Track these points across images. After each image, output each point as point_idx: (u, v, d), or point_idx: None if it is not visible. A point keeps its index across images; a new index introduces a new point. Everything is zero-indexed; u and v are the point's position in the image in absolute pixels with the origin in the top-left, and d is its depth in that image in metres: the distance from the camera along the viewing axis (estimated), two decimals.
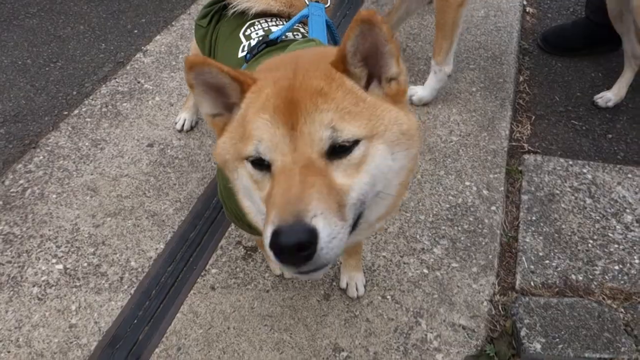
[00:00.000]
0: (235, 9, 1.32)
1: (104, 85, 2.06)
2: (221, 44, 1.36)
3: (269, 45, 1.16)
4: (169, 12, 2.55)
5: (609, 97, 2.13)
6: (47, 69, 2.14)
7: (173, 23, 2.45)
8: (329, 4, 1.35)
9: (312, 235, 0.72)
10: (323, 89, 0.80)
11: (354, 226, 0.83)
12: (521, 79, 2.31)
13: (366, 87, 0.86)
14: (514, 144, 1.98)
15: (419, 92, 2.09)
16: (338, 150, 0.79)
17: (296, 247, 0.71)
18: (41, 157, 1.77)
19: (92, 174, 1.73)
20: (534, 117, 2.12)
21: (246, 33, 1.29)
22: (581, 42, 2.46)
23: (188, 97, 1.90)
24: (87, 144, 1.83)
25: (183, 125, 1.88)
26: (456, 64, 2.29)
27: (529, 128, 2.07)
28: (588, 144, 1.99)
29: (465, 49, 2.41)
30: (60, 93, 2.03)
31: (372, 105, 0.83)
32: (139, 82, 2.09)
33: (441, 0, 1.89)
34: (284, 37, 1.19)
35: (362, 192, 0.82)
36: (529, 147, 1.97)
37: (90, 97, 2.01)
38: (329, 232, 0.74)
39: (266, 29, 1.28)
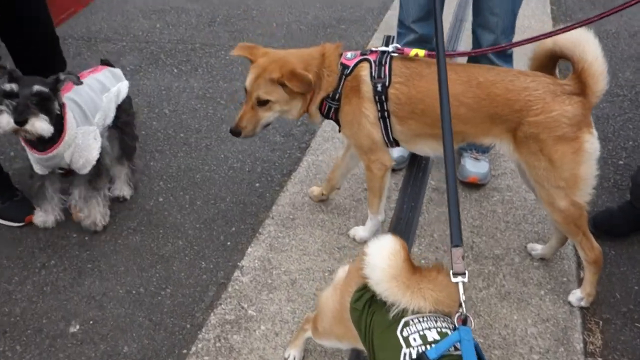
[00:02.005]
0: (396, 310, 1.42)
1: (212, 314, 2.31)
2: (378, 335, 1.49)
3: None
4: (254, 217, 2.83)
5: None
6: (159, 298, 2.40)
7: (260, 231, 2.73)
8: (473, 325, 1.54)
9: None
10: None
11: None
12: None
13: None
14: (589, 359, 2.19)
15: (359, 232, 2.67)
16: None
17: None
18: None
19: None
20: (601, 323, 2.32)
21: (404, 334, 1.43)
22: (629, 227, 2.70)
23: (296, 335, 2.13)
24: None
25: None
26: (520, 261, 2.53)
27: (599, 337, 2.27)
28: None
29: (526, 241, 2.64)
30: (176, 327, 2.28)
31: None
32: (242, 308, 2.34)
33: (368, 171, 2.47)
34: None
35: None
36: None
37: (203, 330, 2.25)
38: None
39: (421, 333, 1.41)
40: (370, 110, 2.30)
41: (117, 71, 2.86)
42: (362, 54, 2.31)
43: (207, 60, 4.43)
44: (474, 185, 3.04)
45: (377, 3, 5.59)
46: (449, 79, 2.23)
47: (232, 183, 3.10)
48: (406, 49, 2.28)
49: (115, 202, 2.89)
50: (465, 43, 4.40)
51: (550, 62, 2.25)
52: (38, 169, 2.57)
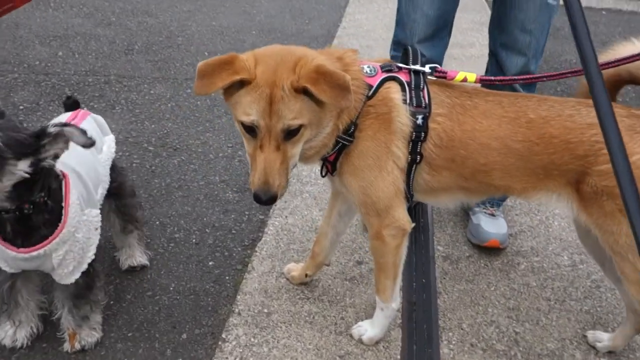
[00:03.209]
0: None
1: None
2: None
3: None
4: (213, 315, 2.01)
5: None
6: None
7: (224, 336, 1.91)
8: None
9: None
10: None
11: None
12: None
13: None
14: None
15: (367, 330, 1.90)
16: None
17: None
18: None
19: None
20: None
21: None
22: None
23: None
24: None
25: None
26: (583, 357, 1.88)
27: None
28: None
29: (580, 326, 1.99)
30: None
31: None
32: None
33: (376, 240, 1.70)
34: None
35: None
36: None
37: None
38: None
39: None
40: (402, 151, 1.59)
41: (100, 119, 2.00)
42: (384, 70, 1.60)
43: (126, 95, 3.55)
44: (492, 250, 2.38)
45: (321, 30, 4.96)
46: (493, 114, 1.61)
47: (176, 263, 2.25)
48: (450, 72, 1.60)
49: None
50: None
51: (612, 89, 1.69)
52: (7, 267, 1.66)
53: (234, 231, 2.44)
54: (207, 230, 2.43)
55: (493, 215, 2.41)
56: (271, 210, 2.56)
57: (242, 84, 1.42)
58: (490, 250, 2.38)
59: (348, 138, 1.58)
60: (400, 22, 2.19)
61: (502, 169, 1.59)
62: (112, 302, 2.02)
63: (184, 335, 1.92)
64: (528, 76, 1.74)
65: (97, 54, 4.15)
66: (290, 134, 1.43)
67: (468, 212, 2.53)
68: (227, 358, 1.83)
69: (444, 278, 2.24)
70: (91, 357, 1.81)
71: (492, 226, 2.36)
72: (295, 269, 2.15)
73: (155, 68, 3.98)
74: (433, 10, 2.09)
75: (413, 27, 2.11)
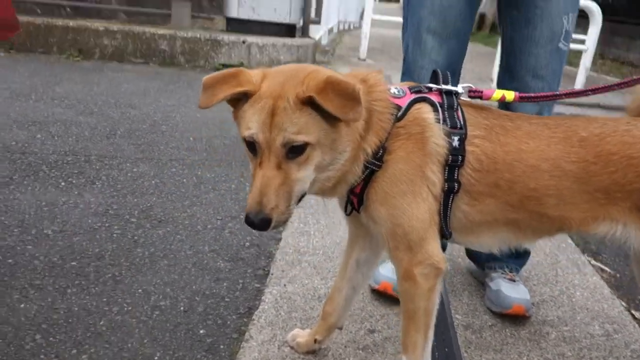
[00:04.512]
0: None
1: None
2: None
3: None
4: None
5: None
6: None
7: None
8: None
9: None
10: None
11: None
12: None
13: None
14: None
15: None
16: None
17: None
18: None
19: None
20: None
21: None
22: None
23: None
24: None
25: None
26: None
27: None
28: None
29: None
30: None
31: None
32: None
33: (407, 281, 1.46)
34: None
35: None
36: None
37: None
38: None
39: None
40: (437, 176, 1.42)
41: None
42: (413, 91, 1.48)
43: (107, 172, 3.35)
44: (517, 319, 2.15)
45: None
46: (540, 135, 1.47)
47: (161, 331, 1.93)
48: (486, 90, 1.49)
49: None
50: None
51: None
52: None
53: (227, 299, 2.16)
54: (196, 298, 2.15)
55: (513, 280, 2.21)
56: (268, 279, 2.30)
57: (248, 98, 1.30)
58: (514, 319, 2.14)
59: (377, 163, 1.42)
60: (407, 71, 2.12)
61: (557, 195, 1.43)
62: None
63: None
64: (574, 90, 1.63)
65: (77, 137, 3.99)
66: (294, 151, 1.28)
67: (484, 281, 2.32)
68: None
69: (469, 347, 1.97)
70: None
71: (513, 291, 2.15)
72: (301, 334, 1.87)
73: (139, 150, 3.82)
74: (442, 57, 2.04)
75: (421, 74, 2.04)
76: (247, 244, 2.60)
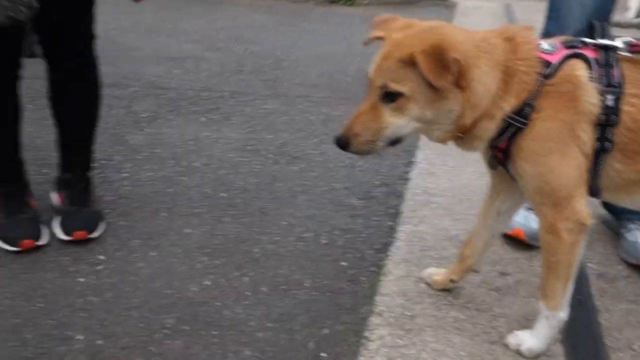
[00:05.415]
0: None
1: None
2: None
3: None
4: (353, 313, 1.87)
5: None
6: None
7: (367, 335, 1.76)
8: None
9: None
10: None
11: None
12: None
13: None
14: None
15: (527, 341, 1.64)
16: None
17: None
18: None
19: None
20: None
21: None
22: None
23: None
24: None
25: None
26: None
27: None
28: None
29: None
30: None
31: None
32: None
33: (551, 234, 1.50)
34: None
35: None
36: None
37: None
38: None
39: None
40: (588, 135, 1.44)
41: None
42: (567, 46, 1.48)
43: (241, 109, 3.58)
44: None
45: None
46: None
47: (308, 260, 2.15)
48: None
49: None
50: None
51: None
52: None
53: (363, 235, 2.32)
54: (335, 232, 2.33)
55: None
56: (399, 218, 2.43)
57: None
58: None
59: (521, 119, 1.45)
60: (552, 15, 2.05)
61: None
62: (248, 293, 1.93)
63: (326, 330, 1.79)
64: None
65: (209, 73, 4.25)
66: (388, 97, 1.42)
67: (619, 232, 2.30)
68: (373, 357, 1.68)
69: (602, 296, 2.01)
70: (246, 337, 1.71)
71: None
72: (437, 273, 2.00)
73: (266, 87, 4.02)
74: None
75: (567, 18, 1.97)
76: (377, 182, 2.74)
